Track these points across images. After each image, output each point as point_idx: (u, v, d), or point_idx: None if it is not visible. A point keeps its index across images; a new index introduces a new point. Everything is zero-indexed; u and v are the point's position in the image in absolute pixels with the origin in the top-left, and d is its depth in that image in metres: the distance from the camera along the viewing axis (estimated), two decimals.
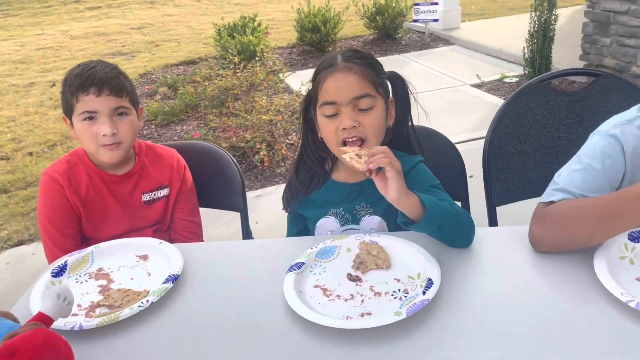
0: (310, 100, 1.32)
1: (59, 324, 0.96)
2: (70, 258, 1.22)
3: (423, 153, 1.37)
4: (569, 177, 1.14)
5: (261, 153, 3.53)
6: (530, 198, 1.59)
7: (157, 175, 1.58)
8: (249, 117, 3.79)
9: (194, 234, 1.65)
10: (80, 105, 1.40)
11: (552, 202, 1.12)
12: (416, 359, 0.89)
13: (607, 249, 1.05)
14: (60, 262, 1.21)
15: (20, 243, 3.10)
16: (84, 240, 1.54)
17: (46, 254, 1.54)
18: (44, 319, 0.89)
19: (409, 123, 1.37)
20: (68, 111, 1.44)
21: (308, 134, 1.35)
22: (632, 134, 1.13)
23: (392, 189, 1.06)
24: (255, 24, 5.98)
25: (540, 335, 0.91)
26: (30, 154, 4.33)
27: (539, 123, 1.59)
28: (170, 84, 5.33)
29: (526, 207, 1.59)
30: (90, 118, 1.40)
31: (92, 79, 1.39)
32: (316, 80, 1.25)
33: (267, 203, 3.26)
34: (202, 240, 1.68)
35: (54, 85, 6.00)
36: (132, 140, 1.48)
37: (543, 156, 1.59)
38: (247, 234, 1.74)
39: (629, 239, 1.09)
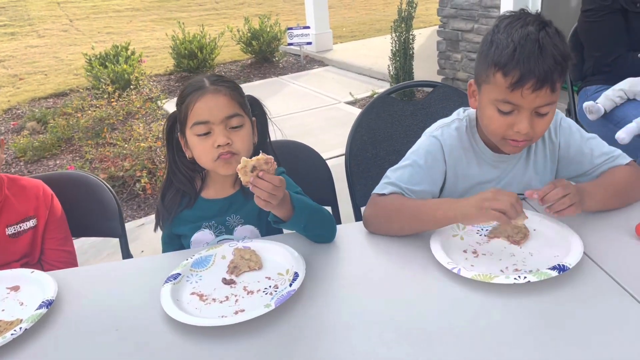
0: (174, 124, 1.40)
1: None
2: None
3: (280, 164, 1.50)
4: (398, 172, 1.33)
5: (142, 181, 3.49)
6: None
7: (22, 206, 1.55)
8: (127, 145, 3.73)
9: (68, 263, 1.62)
10: None
11: (384, 194, 1.30)
12: (287, 346, 0.98)
13: (442, 230, 1.24)
14: None
15: None
16: None
17: None
18: None
19: (268, 139, 1.49)
20: None
21: (175, 156, 1.42)
22: (450, 134, 1.36)
23: (263, 207, 1.16)
24: (129, 52, 5.87)
25: (386, 306, 1.06)
26: None
27: (390, 130, 1.80)
28: (39, 117, 5.04)
29: None
30: None
31: None
32: (184, 103, 1.32)
33: (152, 231, 3.21)
34: None
35: None
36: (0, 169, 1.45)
37: (396, 159, 1.76)
38: (128, 257, 1.75)
39: None
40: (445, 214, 1.18)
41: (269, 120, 1.48)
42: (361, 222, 1.35)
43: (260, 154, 1.13)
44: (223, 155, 1.29)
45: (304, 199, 1.26)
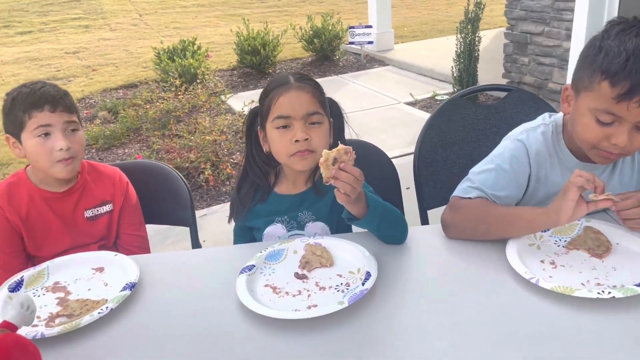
0: (255, 118, 1.44)
1: (20, 333, 1.01)
2: (26, 273, 1.26)
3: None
4: (482, 176, 1.31)
5: (206, 173, 3.59)
6: None
7: (99, 191, 1.63)
8: (192, 137, 3.85)
9: (141, 248, 1.70)
10: (34, 121, 1.44)
11: (470, 197, 1.28)
12: (358, 342, 0.99)
13: (518, 238, 1.22)
14: (17, 277, 1.24)
15: None
16: (30, 259, 1.57)
17: None
18: (9, 327, 0.94)
19: (344, 140, 1.50)
20: (16, 129, 1.48)
21: (253, 149, 1.46)
22: (536, 138, 1.32)
23: (340, 202, 1.18)
24: (195, 47, 6.05)
25: (461, 312, 1.05)
26: None
27: (461, 133, 1.78)
28: (110, 107, 5.28)
29: None
30: (45, 134, 1.45)
31: (45, 97, 1.45)
32: (268, 97, 1.36)
33: (214, 222, 3.31)
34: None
35: None
36: (82, 154, 1.54)
37: (466, 163, 1.77)
38: (197, 247, 1.81)
39: None
40: (537, 214, 1.15)
41: (345, 122, 1.49)
42: (431, 226, 1.34)
43: (339, 145, 1.15)
44: (300, 152, 1.32)
45: (378, 198, 1.27)
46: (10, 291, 1.20)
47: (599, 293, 1.01)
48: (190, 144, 3.80)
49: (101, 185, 1.64)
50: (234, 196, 1.49)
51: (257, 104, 1.44)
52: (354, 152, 1.15)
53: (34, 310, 0.97)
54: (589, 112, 1.17)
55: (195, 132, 4.00)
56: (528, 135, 1.34)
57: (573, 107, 1.23)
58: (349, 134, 1.52)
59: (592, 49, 1.15)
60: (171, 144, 3.94)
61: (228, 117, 4.41)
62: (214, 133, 3.88)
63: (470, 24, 4.69)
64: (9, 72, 7.48)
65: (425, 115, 4.92)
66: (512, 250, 1.17)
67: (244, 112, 4.32)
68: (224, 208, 3.44)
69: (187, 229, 1.80)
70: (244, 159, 1.50)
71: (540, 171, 1.32)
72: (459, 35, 4.80)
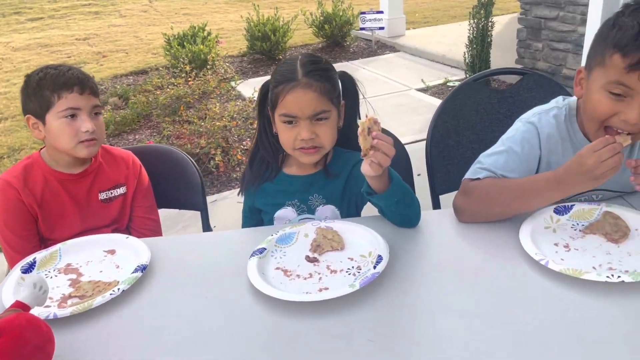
0: (266, 94, 1.41)
1: (33, 313, 1.01)
2: (38, 255, 1.26)
3: None
4: (493, 158, 1.29)
5: (217, 159, 3.59)
6: None
7: (113, 174, 1.64)
8: (202, 123, 3.85)
9: (154, 231, 1.71)
10: (63, 102, 1.45)
11: (478, 179, 1.26)
12: (369, 325, 0.99)
13: (533, 220, 1.21)
14: (29, 259, 1.25)
15: None
16: (42, 242, 1.58)
17: (6, 258, 1.57)
18: (21, 307, 0.94)
19: (358, 118, 1.48)
20: (42, 110, 1.48)
21: (265, 125, 1.44)
22: (548, 122, 1.30)
23: (372, 174, 1.17)
24: (205, 33, 6.02)
25: (471, 295, 1.04)
26: None
27: (474, 118, 1.75)
28: (121, 94, 5.29)
29: None
30: (72, 115, 1.47)
31: (75, 78, 1.47)
32: (276, 89, 1.32)
33: (224, 207, 3.32)
34: None
35: None
36: (104, 138, 1.56)
37: (479, 147, 1.73)
38: (207, 231, 1.81)
39: (554, 212, 1.24)
40: (557, 188, 1.14)
41: (364, 98, 1.47)
42: (443, 210, 1.33)
43: (365, 117, 1.14)
44: (305, 148, 1.32)
45: (399, 176, 1.25)
46: (23, 272, 1.21)
47: (608, 277, 0.99)
48: (201, 129, 3.80)
49: (115, 168, 1.64)
50: (246, 169, 1.49)
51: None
52: (379, 122, 1.14)
53: (47, 291, 0.98)
54: (601, 89, 1.16)
55: (205, 118, 4.00)
56: (540, 118, 1.32)
57: (585, 87, 1.22)
58: (366, 112, 1.49)
59: (606, 27, 1.17)
60: (181, 130, 3.94)
61: (238, 103, 4.40)
62: (224, 119, 3.88)
63: (484, 9, 4.62)
64: (20, 58, 7.51)
65: (437, 102, 4.87)
66: (525, 233, 1.16)
67: (254, 98, 4.30)
68: (234, 194, 3.45)
69: (197, 215, 1.80)
70: (256, 131, 1.49)
71: (551, 156, 1.30)
72: (471, 21, 4.73)
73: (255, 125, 4.05)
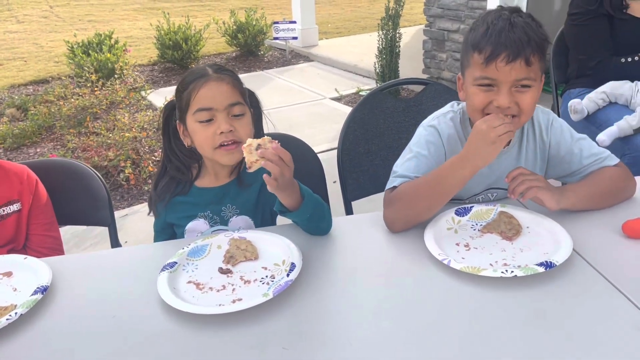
0: (171, 112, 1.40)
1: None
2: None
3: None
4: (404, 165, 1.36)
5: (126, 171, 3.45)
6: (379, 192, 1.80)
7: (6, 190, 1.53)
8: (111, 135, 3.68)
9: (54, 250, 1.61)
10: None
11: (395, 187, 1.32)
12: (284, 333, 1.00)
13: (436, 223, 1.27)
14: None
15: None
16: None
17: None
18: None
19: (262, 132, 1.49)
20: None
21: (172, 144, 1.42)
22: (447, 124, 1.40)
23: (273, 187, 1.17)
24: (112, 41, 5.78)
25: (380, 296, 1.08)
26: None
27: (382, 126, 1.82)
28: (19, 104, 4.94)
29: (376, 200, 1.80)
30: None
31: None
32: (187, 90, 1.32)
33: (136, 222, 3.19)
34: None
35: None
36: None
37: (387, 154, 1.82)
38: (116, 247, 1.74)
39: (455, 213, 1.32)
40: (463, 166, 1.22)
41: (263, 113, 1.49)
42: (355, 216, 1.37)
43: (265, 136, 1.15)
44: (227, 145, 1.30)
45: (310, 190, 1.27)
46: None
47: (502, 272, 1.07)
48: (109, 141, 3.63)
49: (7, 183, 1.53)
50: (152, 192, 1.45)
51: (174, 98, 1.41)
52: (278, 142, 1.15)
53: None
54: (472, 84, 1.29)
55: (114, 129, 3.83)
56: (439, 121, 1.41)
57: (464, 90, 1.35)
58: (266, 127, 1.51)
59: (466, 33, 1.32)
60: (88, 142, 3.75)
61: (149, 113, 4.25)
62: (134, 130, 3.74)
63: (391, 21, 4.81)
64: None
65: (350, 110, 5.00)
66: (429, 235, 1.22)
67: None
68: (146, 207, 3.32)
69: (106, 231, 1.73)
70: (162, 155, 1.45)
71: (453, 154, 1.39)
72: (380, 32, 4.91)
73: None
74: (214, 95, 1.30)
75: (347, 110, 5.02)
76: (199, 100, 1.30)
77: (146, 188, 3.52)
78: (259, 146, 1.13)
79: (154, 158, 3.72)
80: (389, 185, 1.35)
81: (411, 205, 1.28)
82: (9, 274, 1.21)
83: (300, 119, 4.82)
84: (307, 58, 7.07)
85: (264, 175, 1.15)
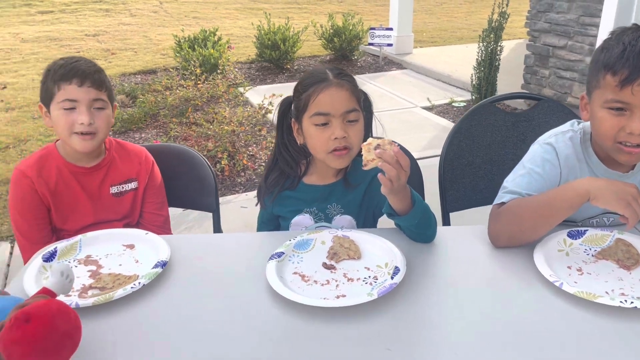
0: (287, 108, 1.45)
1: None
2: (59, 245, 1.28)
3: None
4: (515, 181, 1.32)
5: (222, 162, 3.61)
6: (479, 206, 1.78)
7: (126, 169, 1.66)
8: (211, 126, 3.87)
9: (162, 228, 1.72)
10: (62, 93, 1.48)
11: (504, 203, 1.29)
12: (389, 336, 1.01)
13: (547, 243, 1.24)
14: (50, 248, 1.27)
15: None
16: (54, 231, 1.60)
17: (18, 245, 1.59)
18: (49, 294, 0.96)
19: (370, 135, 1.52)
20: (47, 99, 1.51)
21: (285, 139, 1.48)
22: (565, 143, 1.35)
23: (387, 189, 1.18)
24: (216, 37, 6.07)
25: (485, 310, 1.07)
26: None
27: (488, 139, 1.79)
28: (128, 92, 5.32)
29: (475, 213, 1.78)
30: (70, 108, 1.48)
31: (75, 70, 1.48)
32: (307, 92, 1.36)
33: (227, 212, 3.33)
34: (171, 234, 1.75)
35: (4, 87, 5.84)
36: (105, 132, 1.56)
37: (491, 168, 1.78)
38: (218, 232, 1.83)
39: (568, 235, 1.27)
40: (577, 192, 1.17)
41: (374, 115, 1.51)
42: (457, 227, 1.36)
43: (384, 137, 1.17)
44: (338, 150, 1.34)
45: (420, 197, 1.28)
46: (44, 261, 1.22)
47: (621, 302, 1.02)
48: (209, 132, 3.82)
49: (128, 162, 1.66)
50: (261, 183, 1.51)
51: (285, 96, 1.46)
52: (397, 146, 1.16)
53: (72, 280, 1.00)
54: (602, 107, 1.23)
55: (213, 121, 4.03)
56: (557, 140, 1.36)
57: (590, 111, 1.29)
58: (375, 130, 1.53)
59: (596, 52, 1.26)
60: (189, 132, 3.96)
61: (247, 109, 4.43)
62: (232, 123, 3.90)
63: (493, 33, 4.69)
64: (29, 50, 7.53)
65: (442, 121, 4.93)
66: (539, 255, 1.19)
67: (264, 105, 4.33)
68: (238, 198, 3.46)
69: (201, 217, 1.82)
70: (274, 147, 1.51)
71: (570, 175, 1.34)
72: (480, 44, 4.80)
73: (263, 133, 4.12)
74: (333, 101, 1.33)
75: (439, 120, 4.95)
76: (318, 104, 1.34)
77: (239, 180, 3.67)
78: (377, 146, 1.15)
79: (248, 152, 3.87)
80: (497, 200, 1.33)
81: (517, 222, 1.25)
82: (131, 246, 1.31)
83: (391, 125, 4.80)
84: (400, 65, 7.05)
85: (379, 175, 1.16)
